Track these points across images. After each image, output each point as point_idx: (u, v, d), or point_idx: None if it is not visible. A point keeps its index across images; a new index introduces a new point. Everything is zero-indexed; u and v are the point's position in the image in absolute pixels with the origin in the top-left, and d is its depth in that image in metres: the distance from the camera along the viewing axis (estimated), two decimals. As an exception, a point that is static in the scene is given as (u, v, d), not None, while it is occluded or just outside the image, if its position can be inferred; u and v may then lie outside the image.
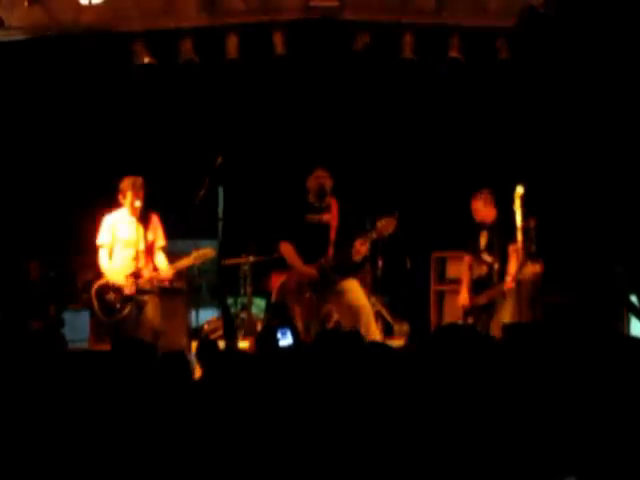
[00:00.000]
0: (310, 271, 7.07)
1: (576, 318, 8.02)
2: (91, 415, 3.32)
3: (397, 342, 7.87)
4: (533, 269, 7.06)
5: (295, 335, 5.08)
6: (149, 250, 7.18)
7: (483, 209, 7.40)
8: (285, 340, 4.94)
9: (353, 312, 7.08)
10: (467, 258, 7.58)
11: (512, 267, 7.08)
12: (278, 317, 7.73)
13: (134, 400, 3.47)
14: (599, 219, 8.56)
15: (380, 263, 9.12)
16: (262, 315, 9.11)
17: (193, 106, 9.51)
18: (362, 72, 9.08)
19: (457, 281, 8.26)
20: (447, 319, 8.57)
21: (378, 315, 8.98)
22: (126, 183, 7.13)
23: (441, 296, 8.89)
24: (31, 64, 8.88)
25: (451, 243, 8.67)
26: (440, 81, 9.15)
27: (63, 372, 3.81)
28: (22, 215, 9.29)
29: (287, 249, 7.25)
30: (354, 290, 7.19)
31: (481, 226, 7.43)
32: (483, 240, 7.41)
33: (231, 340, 7.98)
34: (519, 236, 6.87)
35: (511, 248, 7.08)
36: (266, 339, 5.10)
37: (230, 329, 8.08)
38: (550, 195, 8.45)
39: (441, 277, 8.97)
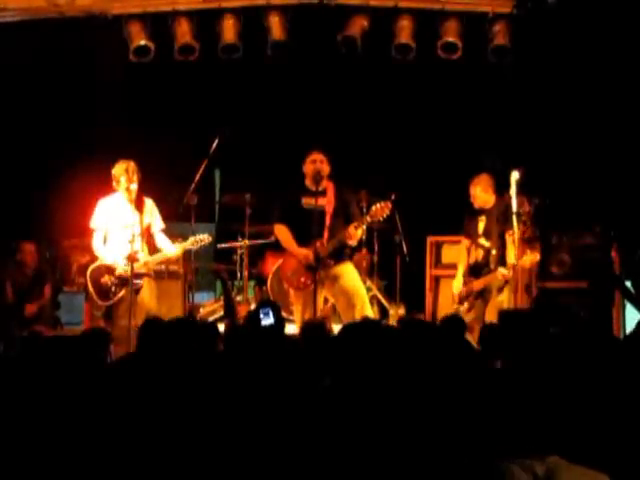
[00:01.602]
0: (305, 253, 7.05)
1: (571, 305, 8.05)
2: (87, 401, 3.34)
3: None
4: (533, 258, 7.05)
5: (277, 315, 5.13)
6: (144, 234, 7.18)
7: (482, 194, 7.37)
8: (267, 320, 5.00)
9: (348, 296, 7.08)
10: (465, 242, 7.56)
11: (510, 256, 7.03)
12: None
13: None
14: (596, 205, 8.57)
15: (376, 247, 9.14)
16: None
17: (190, 89, 9.49)
18: (359, 56, 9.03)
19: (453, 266, 8.26)
20: (442, 303, 8.58)
21: (374, 299, 9.00)
22: (118, 169, 7.13)
23: (437, 280, 8.88)
24: (26, 46, 8.83)
25: (447, 227, 8.68)
26: (437, 65, 9.11)
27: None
28: (17, 197, 9.28)
29: (282, 232, 7.24)
30: (349, 274, 7.19)
31: (480, 211, 7.41)
32: (481, 225, 7.39)
33: (232, 321, 8.01)
34: (515, 221, 6.86)
35: (508, 235, 7.05)
36: (251, 319, 5.18)
37: (231, 310, 8.11)
38: (546, 181, 8.45)
39: (437, 261, 8.95)
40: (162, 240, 7.28)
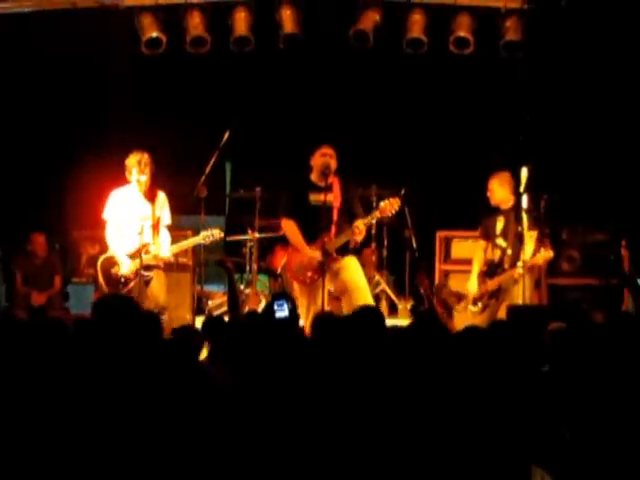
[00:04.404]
0: (313, 254, 7.02)
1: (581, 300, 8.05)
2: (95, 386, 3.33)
3: (401, 321, 7.89)
4: (546, 255, 7.01)
5: (291, 308, 5.09)
6: (156, 226, 7.19)
7: (498, 189, 7.28)
8: (282, 312, 4.95)
9: (350, 291, 7.04)
10: (481, 243, 7.49)
11: (526, 253, 6.97)
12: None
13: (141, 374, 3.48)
14: (606, 202, 8.56)
15: (386, 242, 9.13)
16: (267, 292, 9.12)
17: (201, 82, 9.49)
18: (371, 50, 9.00)
19: (463, 261, 8.27)
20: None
21: (383, 294, 9.00)
22: (132, 160, 7.15)
23: (446, 275, 8.86)
24: (39, 36, 8.84)
25: (458, 222, 8.67)
26: (449, 60, 9.07)
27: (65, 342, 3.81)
28: (28, 188, 9.31)
29: (290, 227, 7.21)
30: (351, 269, 7.13)
31: (498, 211, 7.35)
32: (499, 225, 7.30)
33: (235, 313, 8.00)
34: (525, 218, 6.83)
35: (527, 234, 6.97)
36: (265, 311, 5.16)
37: (234, 302, 8.10)
38: (556, 177, 8.44)
39: (446, 256, 8.93)
40: (164, 237, 7.28)
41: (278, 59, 9.27)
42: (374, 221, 7.27)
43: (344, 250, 7.10)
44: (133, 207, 7.18)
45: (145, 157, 7.13)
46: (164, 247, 7.21)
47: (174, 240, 7.34)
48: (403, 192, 7.04)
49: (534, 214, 6.95)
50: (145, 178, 7.11)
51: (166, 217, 7.31)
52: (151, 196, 7.18)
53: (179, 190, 7.79)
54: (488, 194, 7.34)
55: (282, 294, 5.90)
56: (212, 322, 4.77)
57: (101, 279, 7.17)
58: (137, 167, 7.10)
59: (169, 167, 8.10)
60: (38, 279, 8.87)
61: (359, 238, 7.03)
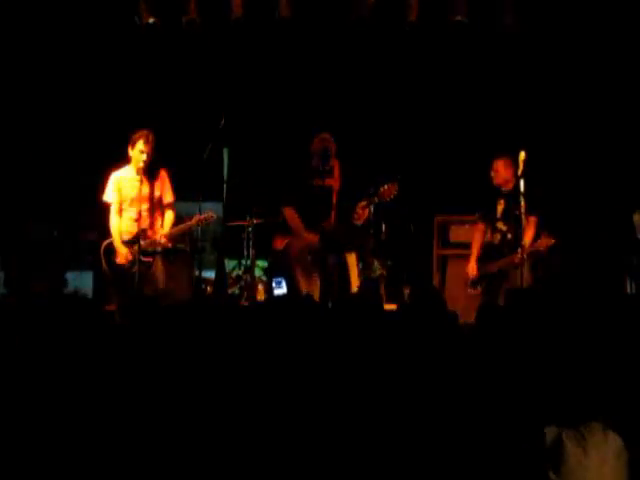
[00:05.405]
0: (311, 238, 7.04)
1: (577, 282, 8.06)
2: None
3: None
4: (547, 242, 7.03)
5: (290, 285, 5.08)
6: (155, 208, 7.14)
7: (502, 170, 7.29)
8: (280, 289, 4.95)
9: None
10: (481, 226, 7.50)
11: (527, 238, 6.98)
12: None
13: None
14: (605, 186, 8.58)
15: (384, 227, 9.13)
16: (264, 277, 9.11)
17: (197, 66, 9.47)
18: (367, 34, 8.98)
19: (461, 245, 8.27)
20: (450, 284, 8.58)
21: (381, 279, 9.00)
22: (138, 133, 7.09)
23: (444, 260, 8.87)
24: (35, 21, 8.82)
25: (454, 207, 8.68)
26: (445, 45, 9.06)
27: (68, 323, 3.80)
28: (25, 174, 9.29)
29: (290, 214, 7.23)
30: (349, 267, 7.14)
31: (499, 194, 7.36)
32: (500, 208, 7.32)
33: (219, 296, 7.97)
34: (522, 202, 6.82)
35: (529, 219, 6.98)
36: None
37: (220, 285, 8.07)
38: (555, 161, 8.45)
39: (444, 242, 8.94)
40: (167, 216, 7.23)
41: (275, 44, 9.25)
42: (372, 206, 7.28)
43: (346, 244, 7.09)
44: (131, 189, 7.11)
45: (151, 134, 7.10)
46: (159, 232, 7.17)
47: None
48: (398, 179, 7.02)
49: (531, 198, 6.95)
50: (146, 156, 7.05)
51: (168, 195, 7.26)
52: (151, 175, 7.11)
53: (175, 176, 7.77)
54: (492, 174, 7.33)
55: (280, 272, 5.88)
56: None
57: (104, 265, 7.14)
58: (144, 138, 7.05)
59: (166, 153, 8.08)
60: (36, 267, 8.85)
61: (359, 222, 7.02)
